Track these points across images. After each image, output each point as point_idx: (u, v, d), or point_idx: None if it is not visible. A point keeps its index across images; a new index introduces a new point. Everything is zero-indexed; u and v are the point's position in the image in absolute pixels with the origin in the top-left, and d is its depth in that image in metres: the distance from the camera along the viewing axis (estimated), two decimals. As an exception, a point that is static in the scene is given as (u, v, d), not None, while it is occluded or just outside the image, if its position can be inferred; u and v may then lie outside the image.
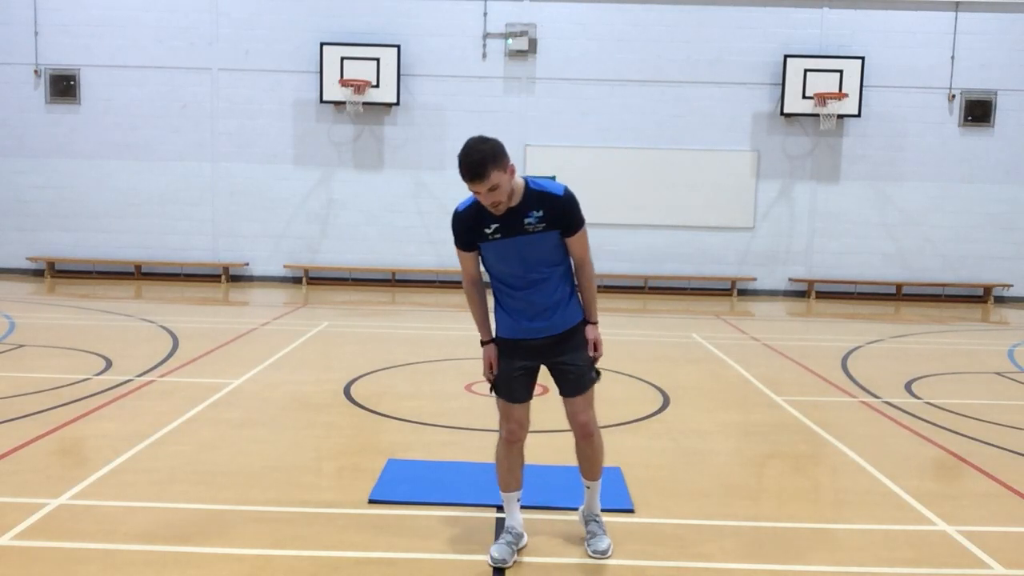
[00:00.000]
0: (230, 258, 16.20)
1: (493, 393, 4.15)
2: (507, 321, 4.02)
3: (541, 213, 3.82)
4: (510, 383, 4.05)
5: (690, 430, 6.43)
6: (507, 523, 4.14)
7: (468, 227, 3.90)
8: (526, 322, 3.97)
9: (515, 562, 4.01)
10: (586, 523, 4.27)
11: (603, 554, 4.10)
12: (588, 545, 4.16)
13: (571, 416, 4.11)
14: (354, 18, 15.71)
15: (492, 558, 3.97)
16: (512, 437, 4.09)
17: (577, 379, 4.05)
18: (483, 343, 4.11)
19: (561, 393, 4.14)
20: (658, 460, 5.63)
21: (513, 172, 3.77)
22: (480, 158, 3.62)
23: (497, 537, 4.16)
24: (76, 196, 16.05)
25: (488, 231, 3.84)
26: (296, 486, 4.94)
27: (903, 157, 16.02)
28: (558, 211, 3.84)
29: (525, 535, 4.20)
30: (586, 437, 4.12)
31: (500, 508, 4.52)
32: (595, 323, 4.09)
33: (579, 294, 4.10)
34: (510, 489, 4.16)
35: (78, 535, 4.15)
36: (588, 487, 4.26)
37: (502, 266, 3.92)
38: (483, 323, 4.13)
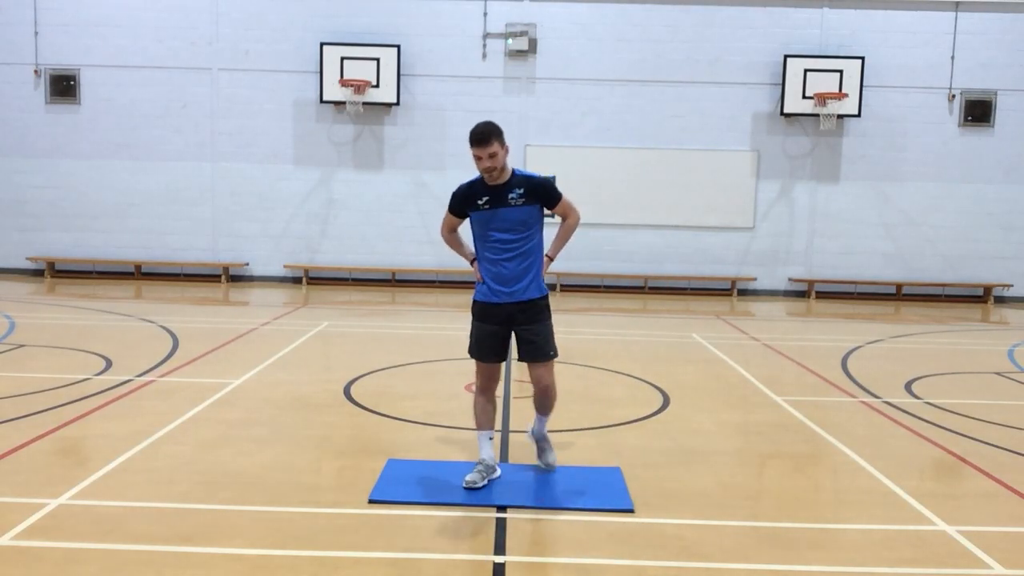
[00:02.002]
0: (230, 258, 16.20)
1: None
2: (482, 288, 4.96)
3: (522, 191, 4.84)
4: (481, 345, 4.99)
5: (690, 430, 6.43)
6: (480, 456, 4.98)
7: (464, 199, 4.92)
8: (497, 286, 4.90)
9: (485, 484, 4.88)
10: (537, 442, 5.27)
11: (550, 465, 5.17)
12: (539, 459, 5.23)
13: (535, 378, 5.07)
14: (354, 18, 15.71)
15: (465, 481, 4.84)
16: (484, 387, 5.05)
17: (538, 348, 4.97)
18: (471, 261, 5.09)
19: (523, 358, 5.05)
20: (658, 460, 5.63)
21: (507, 152, 4.82)
22: (487, 129, 4.71)
23: (497, 537, 4.18)
24: (76, 196, 16.05)
25: (480, 202, 4.85)
26: (296, 486, 4.94)
27: (903, 157, 16.01)
28: (536, 189, 4.88)
29: (498, 468, 5.06)
30: (544, 392, 5.09)
31: (500, 508, 4.62)
32: (551, 258, 5.08)
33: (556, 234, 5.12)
34: (483, 428, 5.02)
35: (78, 535, 4.15)
36: (539, 419, 5.25)
37: (489, 231, 4.86)
38: (463, 249, 5.17)
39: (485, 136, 4.68)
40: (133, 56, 15.72)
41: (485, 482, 4.89)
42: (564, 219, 5.10)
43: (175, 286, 15.46)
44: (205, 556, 3.96)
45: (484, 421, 5.02)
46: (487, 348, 4.97)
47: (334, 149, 16.00)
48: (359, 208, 16.09)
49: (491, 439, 5.03)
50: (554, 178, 5.16)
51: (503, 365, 5.10)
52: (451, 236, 5.18)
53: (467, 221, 5.04)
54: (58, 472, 5.16)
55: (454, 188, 4.98)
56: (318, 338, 10.16)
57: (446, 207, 5.06)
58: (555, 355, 5.04)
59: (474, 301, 5.04)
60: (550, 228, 4.79)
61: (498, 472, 5.04)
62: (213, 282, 15.90)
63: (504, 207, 4.81)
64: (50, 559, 3.90)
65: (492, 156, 4.69)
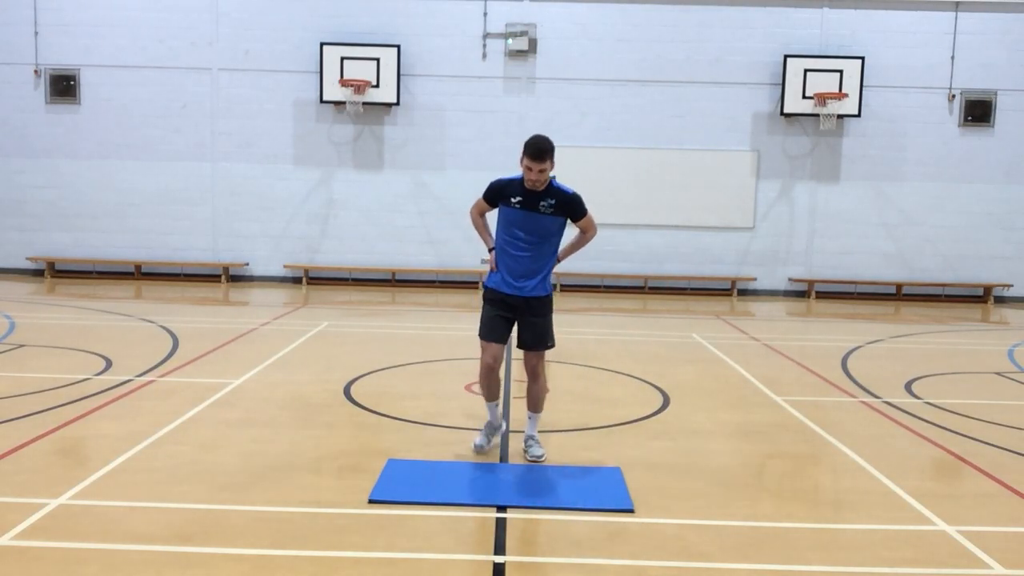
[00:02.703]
0: (230, 258, 16.20)
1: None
2: (496, 278, 5.47)
3: (553, 202, 5.32)
4: (488, 326, 5.51)
5: (690, 430, 6.43)
6: (487, 419, 5.67)
7: (500, 192, 5.41)
8: (511, 279, 5.41)
9: (493, 446, 5.64)
10: (525, 440, 5.66)
11: (539, 458, 5.49)
12: (526, 453, 5.55)
13: (529, 366, 5.60)
14: (354, 18, 15.71)
15: (475, 444, 5.60)
16: (487, 368, 5.53)
17: (537, 337, 5.52)
18: (490, 249, 5.54)
19: (520, 345, 5.57)
20: (658, 460, 5.63)
21: (553, 167, 5.30)
22: (547, 146, 5.20)
23: (497, 537, 4.17)
24: (76, 196, 16.06)
25: (513, 200, 5.33)
26: (296, 486, 4.94)
27: (903, 157, 16.02)
28: (565, 204, 5.37)
29: (504, 424, 5.82)
30: (535, 378, 5.62)
31: (500, 508, 4.64)
32: (559, 260, 5.56)
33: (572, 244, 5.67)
34: (490, 400, 5.65)
35: (78, 535, 4.15)
36: (530, 417, 5.69)
37: (514, 228, 5.35)
38: (486, 235, 5.62)
39: (543, 154, 5.17)
40: (133, 56, 15.72)
41: (491, 445, 5.62)
42: (583, 232, 5.59)
43: (175, 286, 15.46)
44: (205, 556, 3.96)
45: (490, 394, 5.63)
46: (494, 330, 5.50)
47: (334, 149, 16.00)
48: (359, 208, 16.09)
49: (497, 406, 5.67)
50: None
51: (505, 347, 5.60)
52: (479, 219, 5.68)
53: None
54: (58, 472, 5.16)
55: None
56: (318, 338, 10.16)
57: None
58: (552, 345, 5.62)
59: (485, 287, 5.58)
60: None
61: (504, 427, 5.80)
62: (213, 282, 15.90)
63: (534, 212, 5.31)
64: (50, 559, 3.90)
65: (542, 171, 5.21)
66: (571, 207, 5.38)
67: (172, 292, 14.60)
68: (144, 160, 15.97)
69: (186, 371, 7.96)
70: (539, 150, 5.16)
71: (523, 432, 5.75)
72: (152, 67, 15.75)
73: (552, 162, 5.22)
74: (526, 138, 5.29)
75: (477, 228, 5.69)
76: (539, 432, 5.85)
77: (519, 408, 6.80)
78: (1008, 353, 10.40)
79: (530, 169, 5.19)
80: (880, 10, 15.70)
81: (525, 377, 5.70)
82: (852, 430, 6.51)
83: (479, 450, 5.60)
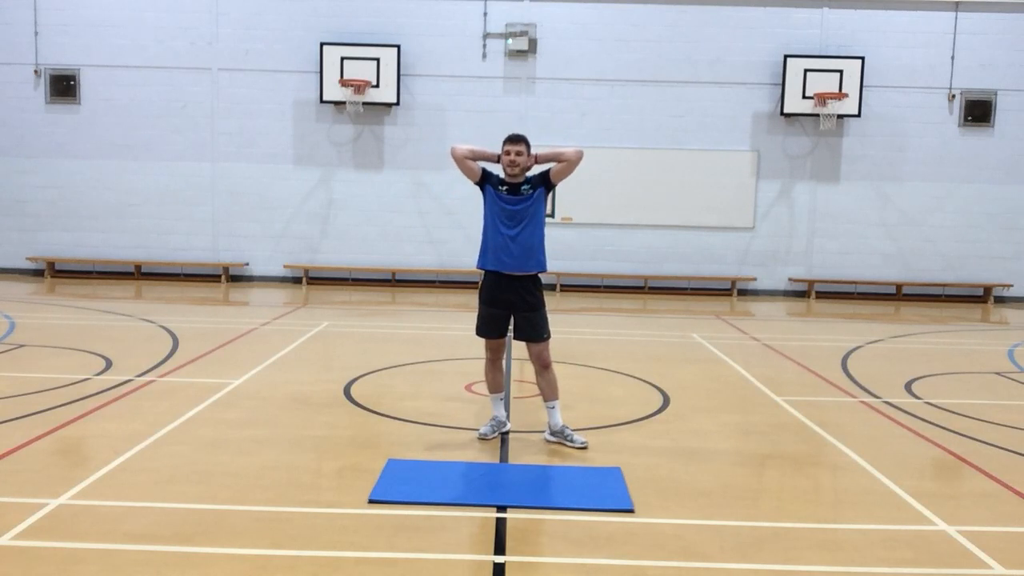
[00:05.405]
0: (230, 258, 16.20)
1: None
2: (489, 256, 5.79)
3: (529, 185, 5.80)
4: (484, 324, 5.91)
5: (690, 430, 6.43)
6: (492, 414, 6.02)
7: (490, 176, 5.86)
8: (504, 257, 5.73)
9: (496, 436, 5.94)
10: (554, 435, 5.86)
11: (584, 445, 5.76)
12: (570, 441, 5.78)
13: (534, 355, 5.89)
14: (354, 18, 15.71)
15: (480, 432, 5.91)
16: (492, 359, 6.00)
17: (533, 330, 5.81)
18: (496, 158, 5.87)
19: (518, 338, 5.89)
20: (658, 460, 5.63)
21: (532, 160, 5.82)
22: (522, 135, 5.85)
23: (497, 537, 4.18)
24: (76, 196, 16.06)
25: (501, 186, 5.81)
26: (296, 486, 4.94)
27: (903, 157, 16.02)
28: (537, 178, 5.84)
29: (508, 424, 6.09)
30: (545, 367, 5.89)
31: (500, 508, 4.62)
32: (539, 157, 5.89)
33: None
34: (493, 392, 6.03)
35: (78, 535, 4.15)
36: (551, 407, 5.89)
37: (501, 212, 5.74)
38: (483, 153, 5.89)
39: (518, 137, 5.82)
40: (133, 56, 15.72)
41: (496, 435, 5.93)
42: (563, 157, 5.82)
43: (175, 286, 15.46)
44: (205, 556, 3.96)
45: (494, 386, 6.03)
46: (491, 328, 5.89)
47: (334, 149, 16.00)
48: (359, 208, 16.09)
49: (501, 399, 6.04)
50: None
51: (505, 342, 6.00)
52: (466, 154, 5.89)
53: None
54: (58, 472, 5.16)
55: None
56: (318, 338, 10.16)
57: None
58: (549, 336, 5.88)
59: (481, 287, 5.93)
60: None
61: (508, 426, 6.07)
62: (213, 282, 15.90)
63: (517, 195, 5.79)
64: (50, 559, 3.90)
65: (519, 153, 5.71)
66: (539, 175, 5.81)
67: (172, 292, 14.59)
68: (144, 160, 15.97)
69: (186, 371, 7.96)
70: (515, 135, 5.80)
71: (524, 432, 5.76)
72: (152, 67, 15.75)
73: (529, 151, 5.76)
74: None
75: (473, 152, 5.84)
76: (538, 431, 5.89)
77: (520, 409, 6.80)
78: (1008, 353, 10.40)
79: (508, 153, 5.70)
80: (880, 10, 15.71)
81: (533, 366, 5.96)
82: (852, 430, 6.51)
83: (483, 437, 5.88)
